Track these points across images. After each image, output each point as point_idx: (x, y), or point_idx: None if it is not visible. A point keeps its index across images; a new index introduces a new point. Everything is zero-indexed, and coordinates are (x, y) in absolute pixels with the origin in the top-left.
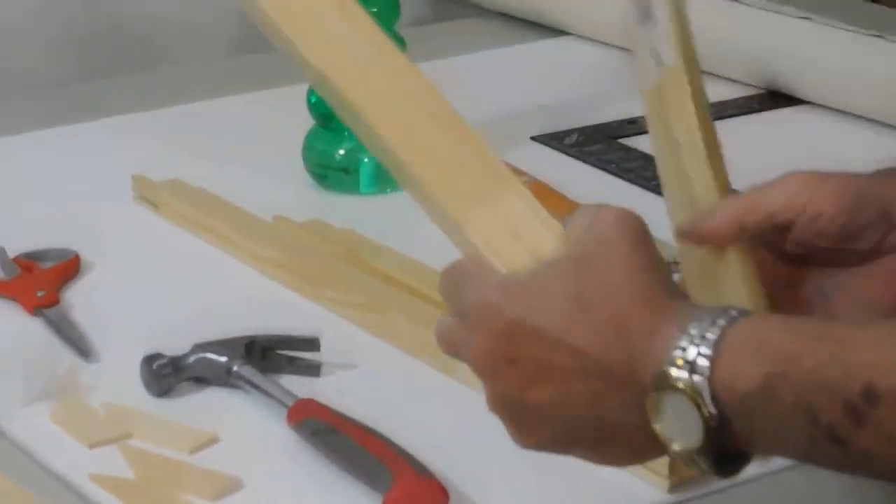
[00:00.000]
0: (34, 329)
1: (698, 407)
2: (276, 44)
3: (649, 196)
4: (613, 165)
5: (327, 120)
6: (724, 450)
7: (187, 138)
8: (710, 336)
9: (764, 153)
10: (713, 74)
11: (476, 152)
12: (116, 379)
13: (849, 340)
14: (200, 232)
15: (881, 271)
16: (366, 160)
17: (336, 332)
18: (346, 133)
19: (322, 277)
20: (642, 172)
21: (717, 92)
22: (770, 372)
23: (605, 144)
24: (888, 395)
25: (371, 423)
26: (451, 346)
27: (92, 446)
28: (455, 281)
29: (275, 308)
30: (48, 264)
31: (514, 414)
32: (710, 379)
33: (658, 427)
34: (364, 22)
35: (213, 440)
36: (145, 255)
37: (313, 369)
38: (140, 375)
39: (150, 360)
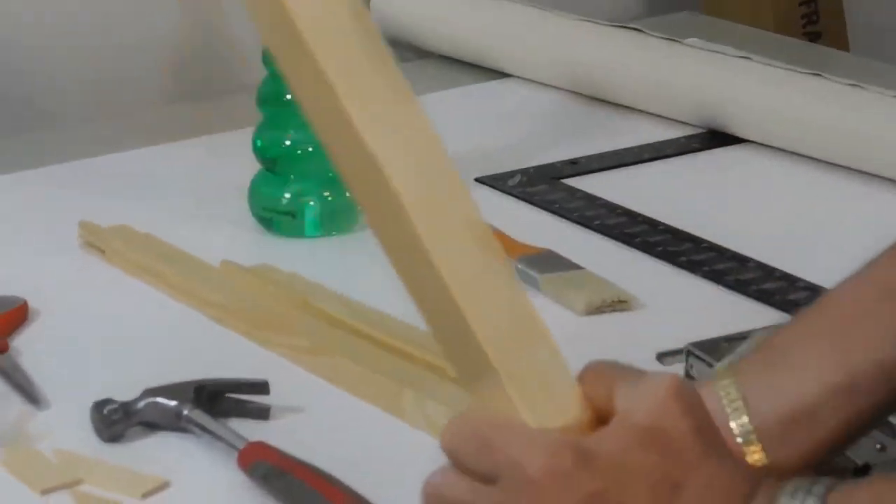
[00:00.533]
0: None
1: None
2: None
3: (591, 235)
4: (556, 206)
5: (272, 164)
6: None
7: (134, 185)
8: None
9: (704, 193)
10: (654, 115)
11: (508, 284)
12: (67, 425)
13: None
14: (148, 278)
15: None
16: (311, 203)
17: (285, 375)
18: (291, 177)
19: (269, 322)
20: (585, 212)
21: (659, 132)
22: None
23: (549, 185)
24: None
25: (321, 466)
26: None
27: (43, 493)
28: (484, 436)
29: (224, 353)
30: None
31: None
32: None
33: None
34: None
35: (165, 485)
36: (93, 301)
37: (262, 412)
38: (91, 421)
39: (100, 405)
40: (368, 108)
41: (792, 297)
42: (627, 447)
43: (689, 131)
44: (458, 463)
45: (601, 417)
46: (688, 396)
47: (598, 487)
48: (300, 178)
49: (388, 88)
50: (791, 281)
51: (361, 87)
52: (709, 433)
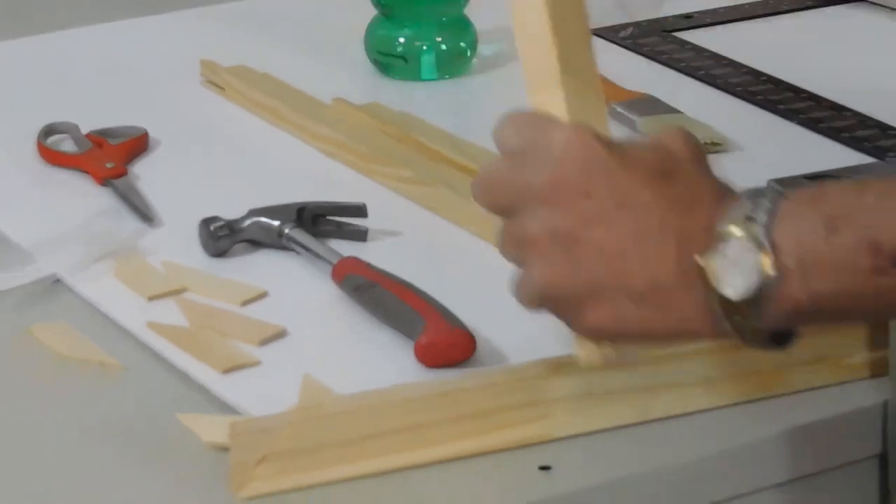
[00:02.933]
0: (102, 198)
1: (758, 249)
2: None
3: (696, 84)
4: (664, 56)
5: (388, 9)
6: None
7: (254, 29)
8: (767, 201)
9: (812, 48)
10: None
11: (590, 53)
12: (176, 241)
13: None
14: (263, 113)
15: None
16: (425, 48)
17: (386, 204)
18: (406, 22)
19: (375, 155)
20: (691, 63)
21: None
22: (831, 214)
23: (660, 37)
24: None
25: (406, 278)
26: (503, 185)
27: (150, 299)
28: (526, 120)
29: (330, 182)
30: (118, 140)
31: (565, 248)
32: (770, 227)
33: (714, 270)
34: None
35: (263, 295)
36: (210, 133)
37: (360, 234)
38: (199, 237)
39: (207, 222)
40: None
41: (883, 143)
42: (638, 146)
43: None
44: (502, 145)
45: None
46: (694, 139)
47: (610, 163)
48: (414, 22)
49: None
50: (884, 129)
51: None
52: (704, 162)
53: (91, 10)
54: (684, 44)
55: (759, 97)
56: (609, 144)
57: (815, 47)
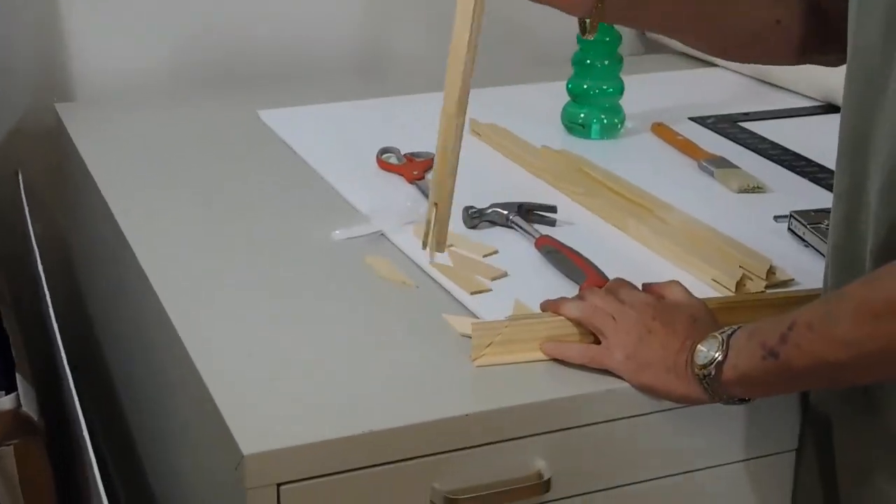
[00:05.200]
0: (410, 190)
1: (718, 348)
2: None
3: (749, 152)
4: (731, 135)
5: (575, 98)
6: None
7: (500, 108)
8: (729, 329)
9: (819, 136)
10: (795, 92)
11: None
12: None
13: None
14: (501, 151)
15: None
16: (595, 121)
17: (567, 206)
18: (585, 106)
19: (562, 177)
20: (747, 140)
21: (795, 101)
22: (752, 331)
23: (730, 125)
24: (799, 322)
25: (578, 250)
26: (606, 309)
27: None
28: (627, 284)
29: (536, 191)
30: (421, 159)
31: (637, 330)
32: (727, 340)
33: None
34: None
35: (495, 252)
36: (471, 160)
37: (551, 222)
38: (461, 217)
39: (466, 209)
40: None
41: None
42: (674, 302)
43: (814, 103)
44: (616, 291)
45: None
46: (692, 299)
47: (662, 305)
48: (589, 106)
49: None
50: None
51: None
52: (702, 312)
53: (414, 84)
54: (743, 129)
55: (785, 162)
56: (663, 301)
57: (820, 135)
